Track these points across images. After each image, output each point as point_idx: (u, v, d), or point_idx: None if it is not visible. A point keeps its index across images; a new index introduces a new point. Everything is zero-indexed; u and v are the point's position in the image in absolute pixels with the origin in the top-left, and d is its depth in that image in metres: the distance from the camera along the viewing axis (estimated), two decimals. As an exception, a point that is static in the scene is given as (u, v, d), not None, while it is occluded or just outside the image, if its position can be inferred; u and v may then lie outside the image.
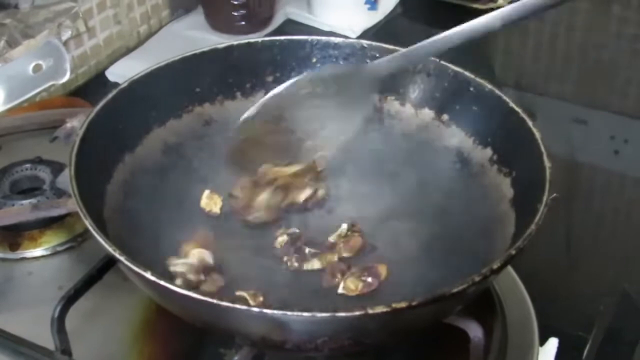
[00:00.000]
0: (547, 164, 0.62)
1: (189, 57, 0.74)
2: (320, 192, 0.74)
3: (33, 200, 0.76)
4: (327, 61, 0.77)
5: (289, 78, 0.76)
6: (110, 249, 0.56)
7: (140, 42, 1.16)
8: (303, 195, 0.73)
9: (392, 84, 0.76)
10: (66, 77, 0.82)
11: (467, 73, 0.72)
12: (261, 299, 0.64)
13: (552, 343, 0.67)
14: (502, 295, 0.69)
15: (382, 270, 0.67)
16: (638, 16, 1.25)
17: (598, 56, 1.15)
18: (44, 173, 0.80)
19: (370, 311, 0.51)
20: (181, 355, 0.68)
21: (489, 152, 0.70)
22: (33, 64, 0.80)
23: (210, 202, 0.73)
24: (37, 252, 0.76)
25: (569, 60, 1.17)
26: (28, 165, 0.81)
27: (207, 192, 0.73)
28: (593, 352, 0.70)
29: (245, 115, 0.70)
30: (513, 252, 0.56)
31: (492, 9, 0.62)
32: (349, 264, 0.68)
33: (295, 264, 0.68)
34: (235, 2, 1.14)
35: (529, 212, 0.60)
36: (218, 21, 1.18)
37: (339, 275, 0.67)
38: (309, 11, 1.21)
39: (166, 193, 0.71)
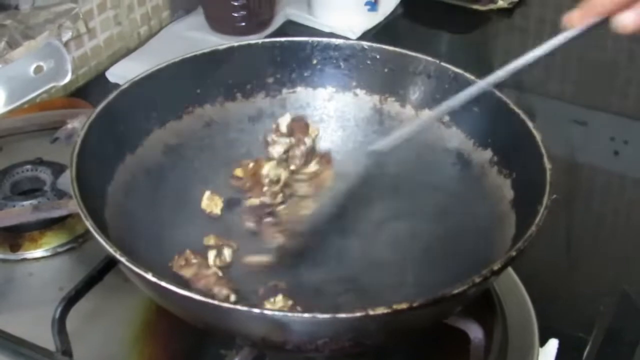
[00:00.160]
0: (548, 165, 0.62)
1: (189, 58, 0.74)
2: (325, 153, 0.76)
3: (34, 202, 0.76)
4: (327, 62, 0.77)
5: (289, 79, 0.77)
6: (111, 250, 0.56)
7: (140, 43, 1.16)
8: (303, 147, 0.75)
9: (392, 85, 0.76)
10: (67, 79, 0.82)
11: (467, 74, 0.72)
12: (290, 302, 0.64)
13: (552, 344, 0.67)
14: (502, 296, 0.69)
15: None
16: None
17: (598, 57, 1.15)
18: (45, 174, 0.80)
19: (371, 312, 0.51)
20: (182, 356, 0.68)
21: (489, 153, 0.70)
22: (34, 65, 0.80)
23: (211, 203, 0.73)
24: (38, 253, 0.76)
25: (569, 61, 1.17)
26: (29, 167, 0.81)
27: (207, 193, 0.73)
28: (593, 353, 0.70)
29: (378, 147, 0.69)
30: (513, 253, 0.56)
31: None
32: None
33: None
34: (236, 3, 1.14)
35: (529, 213, 0.60)
36: (218, 22, 1.18)
37: None
38: (309, 12, 1.21)
39: (167, 194, 0.71)
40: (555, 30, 0.59)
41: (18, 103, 0.81)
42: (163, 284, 0.54)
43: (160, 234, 0.68)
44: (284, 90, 0.78)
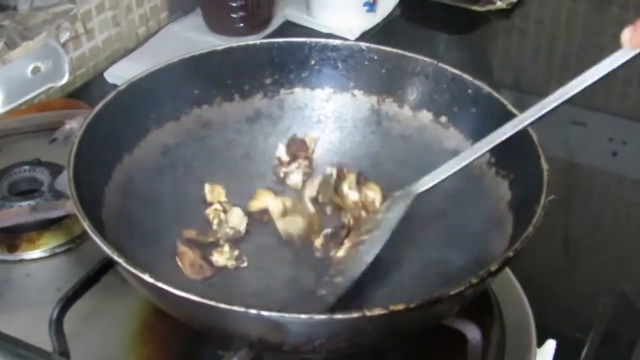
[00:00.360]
0: (545, 166, 0.62)
1: (187, 58, 0.74)
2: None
3: (31, 202, 0.76)
4: (325, 63, 0.77)
5: (287, 80, 0.77)
6: (108, 250, 0.56)
7: (138, 44, 1.16)
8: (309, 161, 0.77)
9: (390, 86, 0.76)
10: (65, 79, 0.82)
11: (465, 75, 0.72)
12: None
13: (550, 344, 0.67)
14: (499, 297, 0.69)
15: None
16: (636, 18, 1.25)
17: (597, 58, 1.15)
18: (43, 175, 0.80)
19: (367, 313, 0.51)
20: (179, 357, 0.68)
21: (487, 154, 0.70)
22: (32, 66, 0.80)
23: (214, 193, 0.73)
24: (36, 253, 0.76)
25: (568, 62, 1.17)
26: (27, 167, 0.81)
27: (207, 186, 0.73)
28: (591, 353, 0.70)
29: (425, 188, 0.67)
30: (511, 254, 0.56)
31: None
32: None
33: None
34: (234, 4, 1.14)
35: (526, 214, 0.60)
36: (217, 23, 1.18)
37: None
38: (307, 13, 1.21)
39: (165, 195, 0.71)
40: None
41: (16, 104, 0.81)
42: (160, 284, 0.54)
43: (157, 234, 0.68)
44: (282, 91, 0.77)
